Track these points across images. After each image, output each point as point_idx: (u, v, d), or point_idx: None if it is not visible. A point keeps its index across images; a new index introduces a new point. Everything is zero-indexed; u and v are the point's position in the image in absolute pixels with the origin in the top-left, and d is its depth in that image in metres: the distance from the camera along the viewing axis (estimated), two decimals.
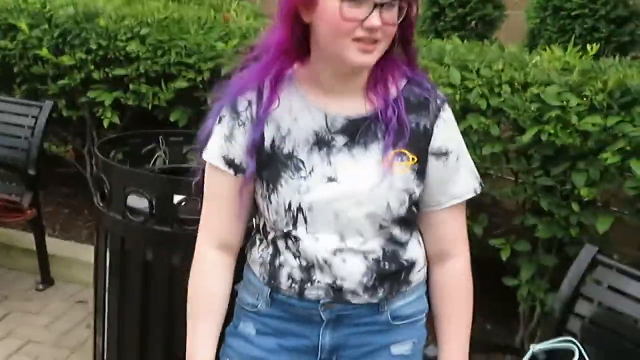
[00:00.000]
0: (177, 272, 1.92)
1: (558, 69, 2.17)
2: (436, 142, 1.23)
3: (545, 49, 2.43)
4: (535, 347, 1.73)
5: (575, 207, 2.09)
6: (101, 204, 2.08)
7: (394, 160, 1.19)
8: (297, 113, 1.22)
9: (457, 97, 2.27)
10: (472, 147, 2.27)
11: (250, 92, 1.24)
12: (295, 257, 1.23)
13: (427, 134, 1.23)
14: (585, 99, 2.02)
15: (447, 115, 1.26)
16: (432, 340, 1.37)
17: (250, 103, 1.23)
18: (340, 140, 1.20)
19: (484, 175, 2.34)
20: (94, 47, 3.08)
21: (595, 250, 1.89)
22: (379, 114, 1.20)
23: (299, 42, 1.20)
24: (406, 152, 1.20)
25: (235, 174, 1.23)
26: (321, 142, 1.20)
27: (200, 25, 3.07)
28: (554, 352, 1.76)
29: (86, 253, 2.90)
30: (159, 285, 2.01)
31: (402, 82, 1.24)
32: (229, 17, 3.17)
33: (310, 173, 1.19)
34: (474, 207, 2.20)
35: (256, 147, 1.21)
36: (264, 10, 3.78)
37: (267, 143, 1.22)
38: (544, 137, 2.04)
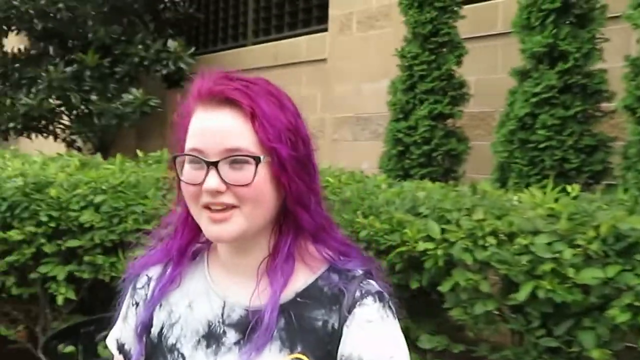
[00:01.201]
0: None
1: (543, 216, 2.02)
2: (346, 348, 0.98)
3: (521, 189, 2.32)
4: None
5: None
6: None
7: None
8: (195, 297, 1.05)
9: (440, 252, 2.10)
10: (462, 306, 2.07)
11: (155, 268, 1.10)
12: None
13: (335, 336, 0.99)
14: (578, 248, 1.86)
15: (364, 312, 0.99)
16: None
17: (149, 280, 1.09)
18: (232, 336, 1.01)
19: (478, 338, 2.14)
20: (44, 219, 2.88)
21: None
22: (270, 307, 0.98)
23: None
24: (305, 358, 0.98)
25: None
26: (211, 337, 1.01)
27: (158, 187, 2.91)
28: None
29: None
30: None
31: (321, 268, 1.04)
32: None
33: None
34: None
35: (145, 332, 1.05)
36: None
37: (156, 330, 1.05)
38: (541, 294, 1.86)
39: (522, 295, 1.89)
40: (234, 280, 1.04)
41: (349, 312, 0.99)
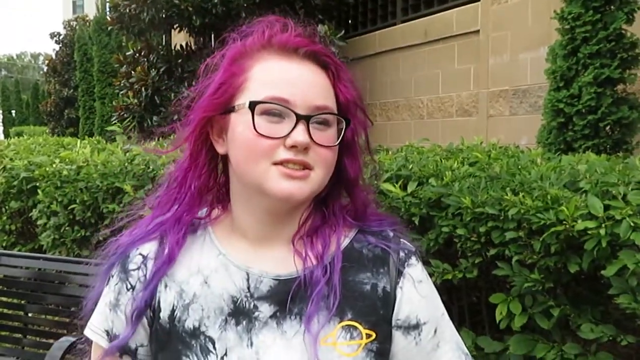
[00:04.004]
0: None
1: None
2: (402, 311, 0.93)
3: None
4: None
5: None
6: None
7: (339, 337, 0.88)
8: (209, 272, 0.93)
9: (602, 231, 1.83)
10: (631, 293, 1.80)
11: (149, 244, 0.96)
12: None
13: (388, 300, 0.92)
14: None
15: (415, 272, 0.95)
16: None
17: (145, 259, 0.95)
18: (265, 309, 0.90)
19: None
20: None
21: None
22: (312, 273, 0.90)
23: (209, 174, 0.97)
24: (358, 325, 0.90)
25: (121, 355, 0.94)
26: (239, 313, 0.90)
27: None
28: None
29: None
30: None
31: (352, 232, 0.96)
32: None
33: (222, 358, 0.88)
34: None
35: (142, 317, 0.92)
36: None
37: (165, 313, 0.92)
38: None
39: None
40: (256, 251, 0.94)
41: (400, 272, 0.94)
